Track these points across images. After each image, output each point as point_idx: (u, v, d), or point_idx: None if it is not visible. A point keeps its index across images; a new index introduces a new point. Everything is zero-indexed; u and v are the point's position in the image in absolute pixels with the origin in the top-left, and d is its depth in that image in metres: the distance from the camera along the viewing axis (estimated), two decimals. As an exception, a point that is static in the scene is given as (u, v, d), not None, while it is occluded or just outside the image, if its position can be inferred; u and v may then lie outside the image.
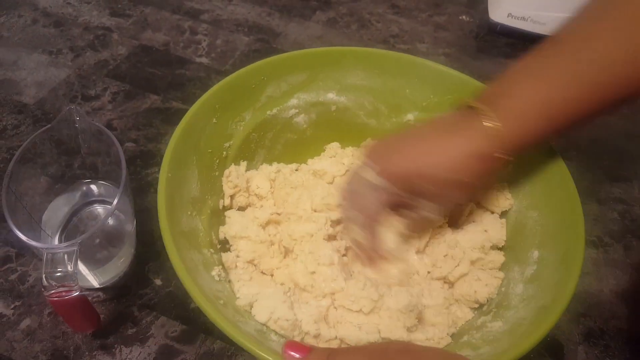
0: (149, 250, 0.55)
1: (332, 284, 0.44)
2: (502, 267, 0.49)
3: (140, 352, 0.49)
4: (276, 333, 0.41)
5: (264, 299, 0.41)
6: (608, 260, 0.59)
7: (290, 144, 0.59)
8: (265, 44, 0.81)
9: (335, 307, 0.44)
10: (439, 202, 0.45)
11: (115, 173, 0.48)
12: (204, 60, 0.77)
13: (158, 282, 0.54)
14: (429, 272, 0.49)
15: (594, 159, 0.69)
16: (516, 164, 0.50)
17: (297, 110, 0.58)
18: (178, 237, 0.41)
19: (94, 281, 0.52)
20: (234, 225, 0.49)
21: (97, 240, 0.52)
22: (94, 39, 0.79)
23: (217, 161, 0.53)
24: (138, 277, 0.54)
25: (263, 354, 0.34)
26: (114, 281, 0.53)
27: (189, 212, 0.46)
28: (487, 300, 0.46)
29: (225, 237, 0.50)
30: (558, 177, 0.47)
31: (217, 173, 0.53)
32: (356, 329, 0.42)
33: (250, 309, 0.42)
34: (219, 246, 0.49)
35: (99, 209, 0.55)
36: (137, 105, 0.70)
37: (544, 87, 0.40)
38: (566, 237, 0.44)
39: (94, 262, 0.51)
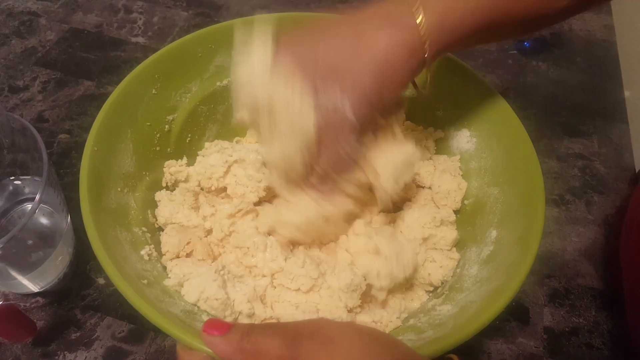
0: (90, 249, 0.51)
1: (270, 264, 0.41)
2: (459, 248, 0.46)
3: (86, 357, 0.46)
4: (208, 314, 0.38)
5: (194, 278, 0.39)
6: (570, 218, 0.58)
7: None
8: (206, 18, 0.76)
9: (274, 286, 0.42)
10: (377, 105, 0.40)
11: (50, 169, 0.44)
12: (140, 39, 0.72)
13: (101, 280, 0.50)
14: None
15: (552, 115, 0.67)
16: (479, 137, 0.49)
17: None
18: (100, 213, 0.39)
19: (31, 286, 0.48)
20: (164, 209, 0.46)
21: (30, 242, 0.48)
22: (19, 26, 0.73)
23: (159, 135, 0.49)
24: (79, 277, 0.51)
25: (176, 332, 0.32)
26: (53, 284, 0.49)
27: (119, 188, 0.43)
28: (442, 283, 0.44)
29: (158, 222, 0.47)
30: (521, 151, 0.44)
31: (158, 148, 0.49)
32: (293, 308, 0.40)
33: (181, 289, 0.39)
34: (157, 225, 0.46)
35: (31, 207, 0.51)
36: (70, 93, 0.65)
37: None
38: (525, 217, 0.41)
39: (28, 265, 0.47)
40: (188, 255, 0.44)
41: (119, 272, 0.35)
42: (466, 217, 0.48)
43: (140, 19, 0.75)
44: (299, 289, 0.40)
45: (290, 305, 0.40)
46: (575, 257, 0.55)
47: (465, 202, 0.48)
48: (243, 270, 0.42)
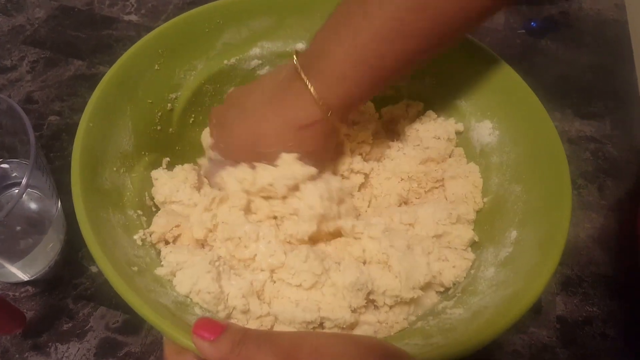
0: (82, 236, 0.49)
1: (270, 259, 0.38)
2: (475, 248, 0.43)
3: (79, 349, 0.44)
4: (201, 307, 0.36)
5: (187, 269, 0.36)
6: (582, 203, 0.56)
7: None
8: (202, -5, 0.73)
9: (273, 281, 0.39)
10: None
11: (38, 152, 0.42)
12: (133, 17, 0.69)
13: (94, 268, 0.48)
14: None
15: (562, 97, 0.65)
16: (502, 129, 0.46)
17: (260, 62, 0.50)
18: (91, 193, 0.36)
19: (21, 274, 0.46)
20: (162, 188, 0.43)
21: (18, 228, 0.46)
22: (6, 3, 0.70)
23: (160, 114, 0.46)
24: (71, 265, 0.48)
25: (164, 326, 0.30)
26: (44, 272, 0.47)
27: (115, 168, 0.41)
28: (454, 284, 0.41)
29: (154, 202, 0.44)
30: (548, 147, 0.41)
31: (159, 127, 0.46)
32: (293, 306, 0.37)
33: (173, 278, 0.37)
34: (154, 209, 0.44)
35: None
36: (60, 73, 0.62)
37: (357, 39, 0.37)
38: (549, 217, 0.38)
39: (17, 253, 0.45)
40: (175, 240, 0.41)
41: (106, 257, 0.32)
42: (484, 215, 0.44)
43: (133, -5, 0.72)
44: (300, 285, 0.37)
45: (289, 302, 0.37)
46: (588, 244, 0.53)
47: (485, 199, 0.45)
48: (238, 264, 0.39)
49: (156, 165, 0.45)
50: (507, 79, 0.46)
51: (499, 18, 0.74)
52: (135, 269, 0.35)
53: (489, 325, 0.33)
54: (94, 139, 0.39)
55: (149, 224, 0.41)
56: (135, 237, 0.39)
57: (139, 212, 0.41)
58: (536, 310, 0.48)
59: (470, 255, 0.42)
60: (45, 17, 0.68)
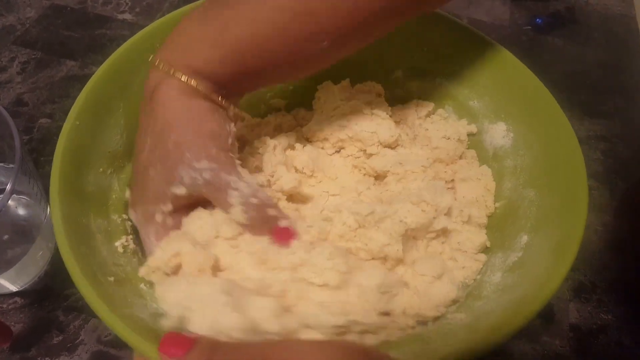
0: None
1: (289, 257, 0.35)
2: (485, 253, 0.41)
3: (69, 363, 0.42)
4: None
5: (198, 309, 0.30)
6: (594, 205, 0.54)
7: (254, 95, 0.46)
8: (198, -7, 0.71)
9: (294, 281, 0.35)
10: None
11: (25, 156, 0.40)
12: (127, 16, 0.67)
13: (85, 278, 0.46)
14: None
15: (571, 94, 0.63)
16: (516, 131, 0.44)
17: None
18: (72, 197, 0.34)
19: (9, 285, 0.44)
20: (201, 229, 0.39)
21: (5, 236, 0.44)
22: (-4, 2, 0.68)
23: None
24: (62, 275, 0.46)
25: (131, 339, 0.28)
26: (33, 282, 0.45)
27: (102, 169, 0.39)
28: (462, 285, 0.39)
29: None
30: (565, 151, 0.39)
31: None
32: (318, 308, 0.33)
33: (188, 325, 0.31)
34: None
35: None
36: (52, 74, 0.60)
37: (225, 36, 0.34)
38: (563, 223, 0.36)
39: (4, 263, 0.44)
40: (175, 271, 0.36)
41: (78, 266, 0.31)
42: (495, 220, 0.42)
43: (127, -6, 0.70)
44: (325, 284, 0.34)
45: (314, 304, 0.33)
46: (601, 248, 0.51)
47: (496, 204, 0.43)
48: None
49: None
50: (522, 79, 0.44)
51: (504, 14, 0.72)
52: (112, 279, 0.33)
53: (492, 331, 0.31)
54: (79, 139, 0.37)
55: (133, 229, 0.39)
56: (117, 243, 0.36)
57: (124, 216, 0.39)
58: (548, 318, 0.46)
59: (482, 257, 0.40)
60: (37, 17, 0.66)
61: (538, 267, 0.35)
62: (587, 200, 0.36)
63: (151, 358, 0.27)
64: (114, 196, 0.39)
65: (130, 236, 0.38)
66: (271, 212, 0.36)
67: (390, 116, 0.46)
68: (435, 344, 0.33)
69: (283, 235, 0.36)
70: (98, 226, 0.36)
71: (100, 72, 0.39)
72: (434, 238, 0.40)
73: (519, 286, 0.35)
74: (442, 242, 0.40)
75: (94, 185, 0.38)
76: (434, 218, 0.39)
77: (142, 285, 0.35)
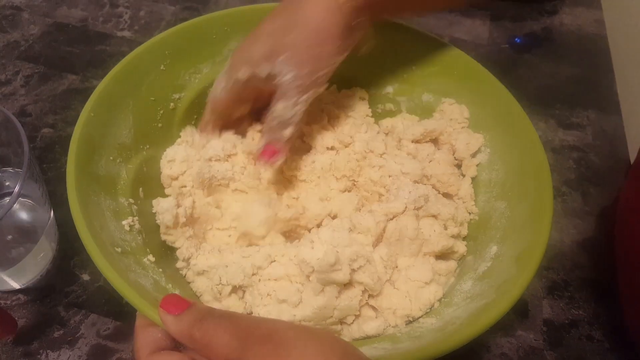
0: (75, 244, 0.49)
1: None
2: (460, 261, 0.44)
3: (70, 356, 0.44)
4: (181, 292, 0.37)
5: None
6: (567, 210, 0.57)
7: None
8: (194, 12, 0.75)
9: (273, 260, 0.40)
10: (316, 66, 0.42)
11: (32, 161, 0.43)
12: (126, 34, 0.71)
13: (85, 277, 0.48)
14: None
15: (546, 107, 0.67)
16: (492, 147, 0.47)
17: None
18: (85, 176, 0.39)
19: (12, 282, 0.46)
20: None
21: (10, 237, 0.47)
22: (1, 20, 0.71)
23: (162, 112, 0.48)
24: (63, 274, 0.48)
25: (135, 300, 0.32)
26: (35, 280, 0.47)
27: (112, 157, 0.43)
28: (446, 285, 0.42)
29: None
30: (534, 166, 0.43)
31: (160, 125, 0.48)
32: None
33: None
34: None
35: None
36: (54, 87, 0.63)
37: None
38: (528, 234, 0.39)
39: (8, 261, 0.46)
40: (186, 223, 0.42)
41: (90, 233, 0.34)
42: (470, 231, 0.45)
43: (126, 13, 0.73)
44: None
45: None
46: (573, 249, 0.54)
47: (471, 216, 0.46)
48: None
49: (154, 160, 0.47)
50: (497, 96, 0.47)
51: (483, 33, 0.77)
52: (119, 250, 0.36)
53: (455, 335, 0.34)
54: (93, 128, 0.41)
55: (139, 212, 0.42)
56: (124, 222, 0.40)
57: (131, 200, 0.42)
58: (523, 314, 0.49)
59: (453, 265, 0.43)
60: (40, 34, 0.69)
61: (503, 276, 0.38)
62: (551, 212, 0.39)
63: (150, 317, 0.31)
64: (122, 182, 0.43)
65: (136, 217, 0.41)
66: (286, 131, 0.42)
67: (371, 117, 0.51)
68: (404, 344, 0.35)
69: (268, 153, 0.43)
70: (107, 205, 0.39)
71: (113, 72, 0.44)
72: (425, 216, 0.43)
73: (485, 294, 0.37)
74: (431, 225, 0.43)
75: (105, 170, 0.41)
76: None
77: (145, 259, 0.39)
